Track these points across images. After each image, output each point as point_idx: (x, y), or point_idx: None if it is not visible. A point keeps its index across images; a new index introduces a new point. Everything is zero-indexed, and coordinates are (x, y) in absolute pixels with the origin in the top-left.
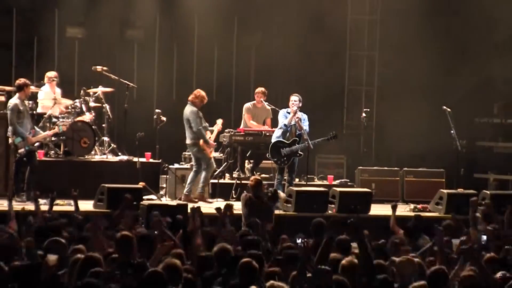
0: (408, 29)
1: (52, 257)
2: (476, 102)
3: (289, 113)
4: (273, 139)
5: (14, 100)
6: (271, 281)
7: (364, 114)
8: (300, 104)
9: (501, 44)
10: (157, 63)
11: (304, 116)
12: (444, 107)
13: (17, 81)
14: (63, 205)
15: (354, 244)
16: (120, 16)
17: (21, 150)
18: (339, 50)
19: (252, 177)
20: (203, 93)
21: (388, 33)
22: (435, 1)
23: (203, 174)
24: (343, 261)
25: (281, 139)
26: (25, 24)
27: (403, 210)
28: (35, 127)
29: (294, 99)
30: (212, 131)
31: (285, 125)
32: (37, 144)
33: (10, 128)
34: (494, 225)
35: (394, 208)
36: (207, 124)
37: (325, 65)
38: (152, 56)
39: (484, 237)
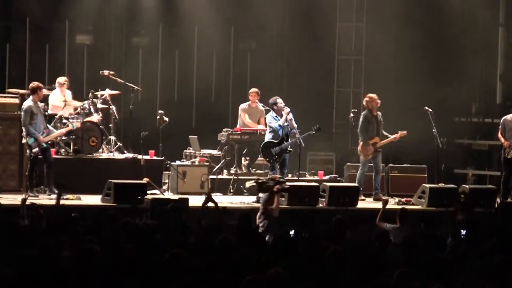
0: (392, 35)
1: (66, 253)
2: (456, 103)
3: (276, 116)
4: (264, 142)
5: (28, 102)
6: (275, 268)
7: (351, 114)
8: None
9: (479, 48)
10: (160, 67)
11: (290, 114)
12: (426, 108)
13: (31, 84)
14: (73, 199)
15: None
16: (126, 25)
17: (35, 150)
18: (329, 54)
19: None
20: (371, 96)
21: (374, 39)
22: (418, 8)
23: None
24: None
25: (270, 140)
26: (38, 32)
27: (388, 203)
28: (49, 126)
29: (281, 100)
30: (385, 137)
31: (279, 125)
32: (49, 142)
33: (24, 129)
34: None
35: (385, 204)
36: (373, 128)
37: (315, 68)
38: (156, 61)
39: (464, 232)
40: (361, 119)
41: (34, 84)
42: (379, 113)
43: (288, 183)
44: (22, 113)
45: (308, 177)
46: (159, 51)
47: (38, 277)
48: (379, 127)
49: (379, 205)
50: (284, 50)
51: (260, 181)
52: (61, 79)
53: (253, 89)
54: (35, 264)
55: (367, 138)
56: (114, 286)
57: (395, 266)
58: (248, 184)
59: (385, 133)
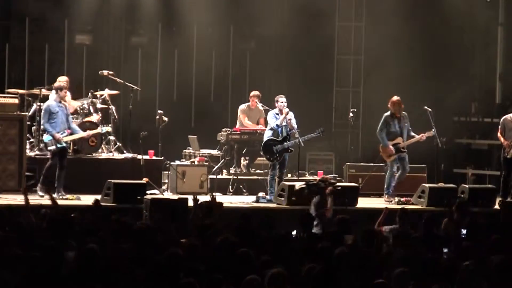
0: (391, 35)
1: (70, 254)
2: (455, 102)
3: (277, 114)
4: (265, 139)
5: (49, 102)
6: (276, 269)
7: (351, 114)
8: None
9: (478, 48)
10: (159, 67)
11: (291, 115)
12: (426, 107)
13: (54, 85)
14: (72, 200)
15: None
16: (125, 25)
17: (51, 148)
18: (328, 54)
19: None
20: (393, 100)
21: (373, 38)
22: (416, 8)
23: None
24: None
25: (271, 137)
26: (37, 32)
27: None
28: (74, 127)
29: (283, 100)
30: (411, 138)
31: (277, 125)
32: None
33: (42, 127)
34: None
35: (385, 212)
36: (395, 130)
37: (314, 68)
38: (155, 61)
39: (464, 231)
40: (381, 121)
41: (56, 84)
42: (405, 113)
43: (338, 184)
44: (42, 111)
45: (308, 177)
46: (158, 50)
47: (41, 278)
48: (402, 128)
49: (378, 205)
50: (283, 50)
51: (310, 183)
52: (63, 79)
53: (254, 92)
54: (38, 265)
55: (387, 140)
56: (114, 286)
57: (395, 266)
58: (297, 186)
59: (413, 134)
